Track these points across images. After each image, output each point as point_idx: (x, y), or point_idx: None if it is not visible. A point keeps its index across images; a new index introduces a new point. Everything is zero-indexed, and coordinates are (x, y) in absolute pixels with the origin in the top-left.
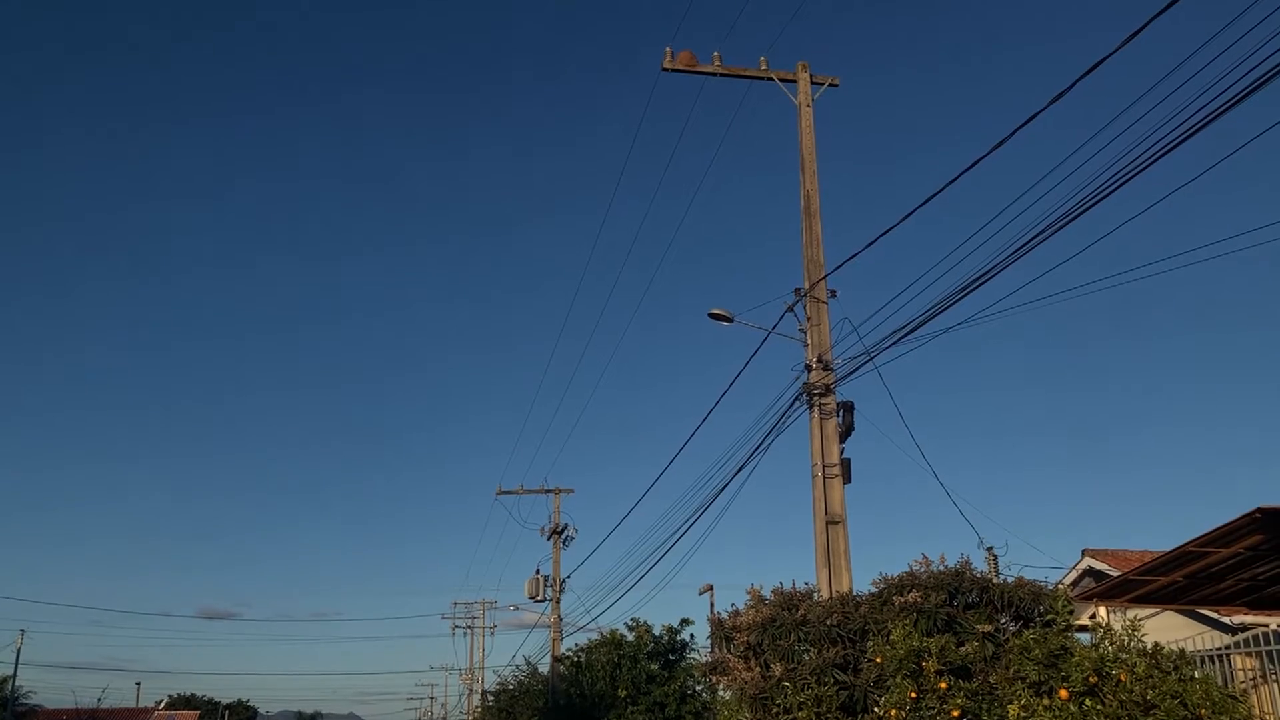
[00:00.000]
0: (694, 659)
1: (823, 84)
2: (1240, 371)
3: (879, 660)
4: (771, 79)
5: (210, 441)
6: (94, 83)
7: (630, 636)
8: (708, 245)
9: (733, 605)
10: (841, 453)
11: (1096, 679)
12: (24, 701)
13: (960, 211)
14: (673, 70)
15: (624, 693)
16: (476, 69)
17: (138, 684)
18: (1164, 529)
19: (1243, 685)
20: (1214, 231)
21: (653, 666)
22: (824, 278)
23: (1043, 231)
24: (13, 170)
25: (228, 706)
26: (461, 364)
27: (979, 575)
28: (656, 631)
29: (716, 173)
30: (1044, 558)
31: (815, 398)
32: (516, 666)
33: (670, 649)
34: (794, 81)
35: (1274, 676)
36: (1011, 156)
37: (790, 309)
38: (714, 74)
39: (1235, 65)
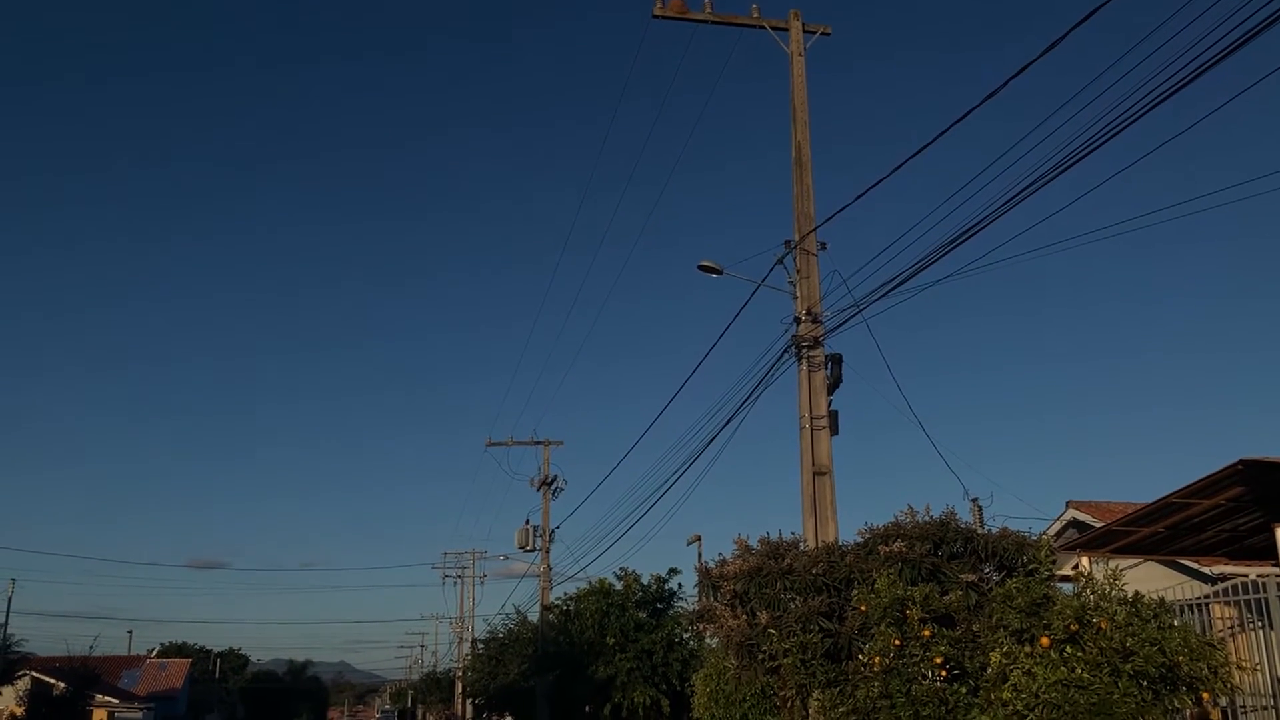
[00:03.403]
0: (681, 608)
1: (814, 33)
2: (1224, 332)
3: (864, 608)
4: (763, 27)
5: (200, 394)
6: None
7: (619, 586)
8: (698, 197)
9: (720, 555)
10: (829, 405)
11: (1078, 627)
12: (16, 649)
13: (951, 163)
14: (663, 17)
15: (612, 640)
16: (461, 24)
17: (129, 632)
18: (1148, 481)
19: (1221, 634)
20: (1206, 183)
21: (641, 615)
22: (814, 230)
23: (1033, 184)
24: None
25: (219, 655)
26: (451, 316)
27: (964, 526)
28: (645, 581)
29: (707, 124)
30: (1029, 509)
31: (804, 350)
32: (507, 615)
33: (658, 598)
34: (785, 30)
35: (1252, 625)
36: (1003, 107)
37: (780, 261)
38: (705, 21)
39: (1230, 15)
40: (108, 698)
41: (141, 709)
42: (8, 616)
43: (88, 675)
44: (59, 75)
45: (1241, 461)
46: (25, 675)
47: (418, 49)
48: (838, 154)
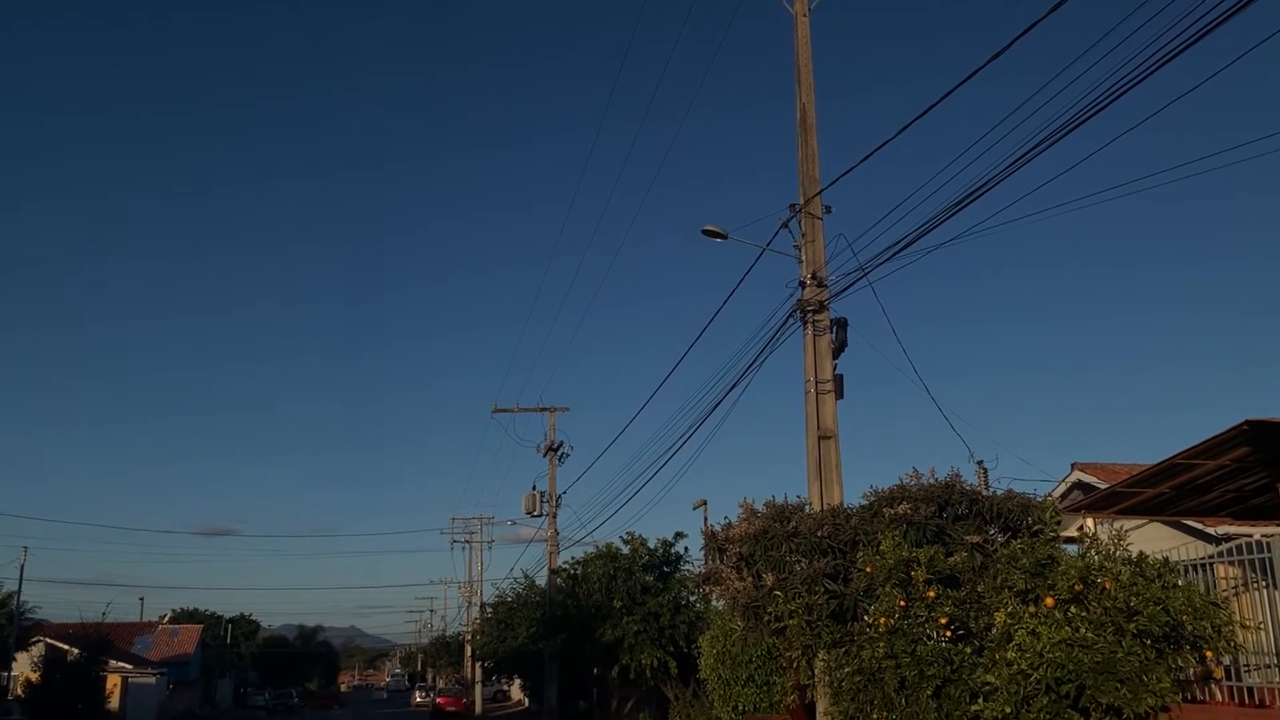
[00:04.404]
0: (688, 571)
1: None
2: (1228, 289)
3: (869, 570)
4: None
5: (207, 362)
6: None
7: (625, 550)
8: (702, 162)
9: (725, 518)
10: (834, 369)
11: (1082, 587)
12: (30, 617)
13: (959, 124)
14: None
15: (619, 603)
16: None
17: (141, 599)
18: (1154, 443)
19: (1225, 593)
20: (1217, 141)
21: (647, 578)
22: (819, 193)
23: (1038, 145)
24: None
25: (230, 621)
26: (457, 283)
27: (969, 488)
28: (651, 545)
29: (711, 88)
30: (1034, 471)
31: (809, 314)
32: (515, 580)
33: (664, 561)
34: None
35: (1256, 585)
36: (1009, 68)
37: (785, 225)
38: None
39: None
40: (121, 663)
41: (155, 674)
42: (20, 584)
43: (101, 641)
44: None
45: (1247, 422)
46: (39, 642)
47: (422, 26)
48: (843, 116)
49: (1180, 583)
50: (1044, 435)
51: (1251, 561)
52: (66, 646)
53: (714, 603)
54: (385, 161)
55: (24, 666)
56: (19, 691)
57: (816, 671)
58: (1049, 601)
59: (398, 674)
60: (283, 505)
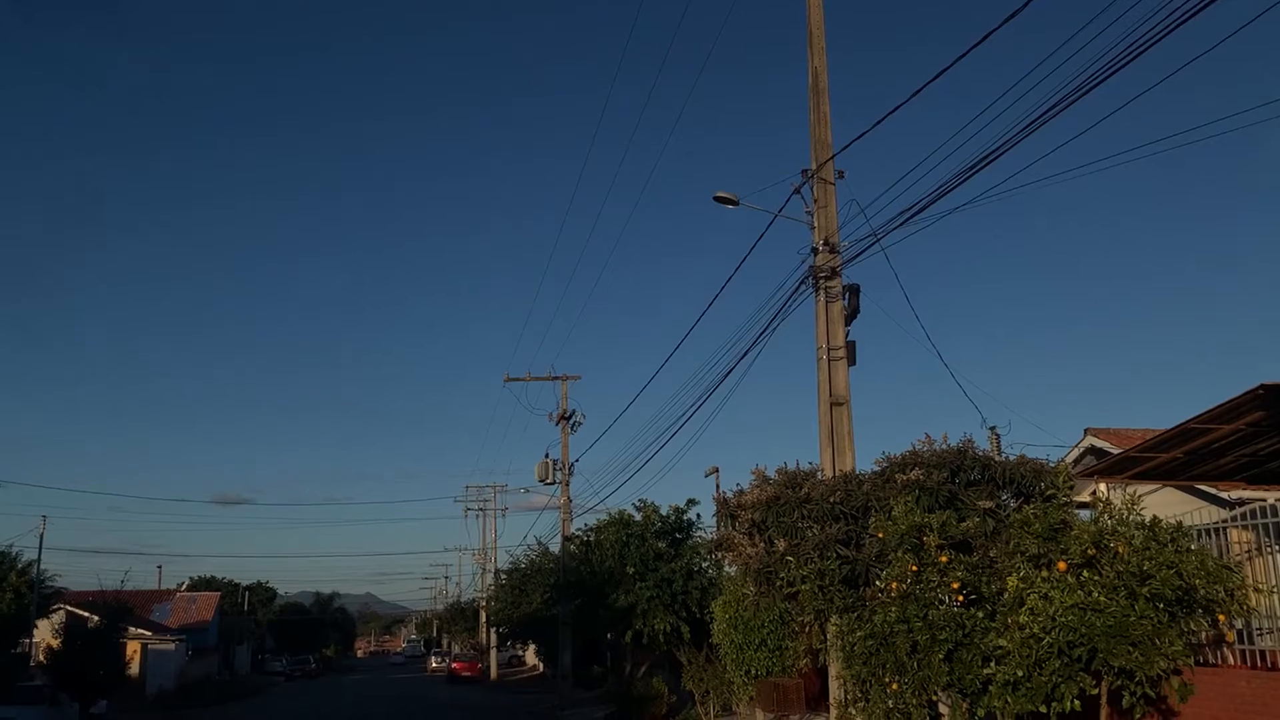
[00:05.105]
0: (700, 537)
1: None
2: (1242, 250)
3: (881, 535)
4: None
5: (222, 332)
6: None
7: (638, 516)
8: (714, 127)
9: (738, 485)
10: (846, 335)
11: (1095, 551)
12: (50, 585)
13: (971, 89)
14: None
15: (632, 569)
16: None
17: (159, 567)
18: (1167, 407)
19: (1238, 558)
20: (1231, 104)
21: (660, 545)
22: (831, 158)
23: (1052, 108)
24: None
25: (248, 588)
26: (471, 252)
27: (981, 453)
28: (664, 511)
29: (723, 52)
30: (1047, 436)
31: (821, 280)
32: (528, 547)
33: (677, 528)
34: None
35: (1269, 549)
36: (1022, 32)
37: (797, 190)
38: None
39: None
40: (140, 630)
41: (174, 640)
42: (40, 553)
43: (120, 608)
44: None
45: (1262, 386)
46: (60, 609)
47: None
48: (856, 80)
49: (1193, 547)
50: (1057, 401)
51: (1265, 526)
52: (86, 614)
53: (726, 568)
54: (390, 137)
55: (45, 633)
56: (41, 658)
57: (829, 636)
58: (1061, 566)
59: (413, 640)
60: (298, 474)
